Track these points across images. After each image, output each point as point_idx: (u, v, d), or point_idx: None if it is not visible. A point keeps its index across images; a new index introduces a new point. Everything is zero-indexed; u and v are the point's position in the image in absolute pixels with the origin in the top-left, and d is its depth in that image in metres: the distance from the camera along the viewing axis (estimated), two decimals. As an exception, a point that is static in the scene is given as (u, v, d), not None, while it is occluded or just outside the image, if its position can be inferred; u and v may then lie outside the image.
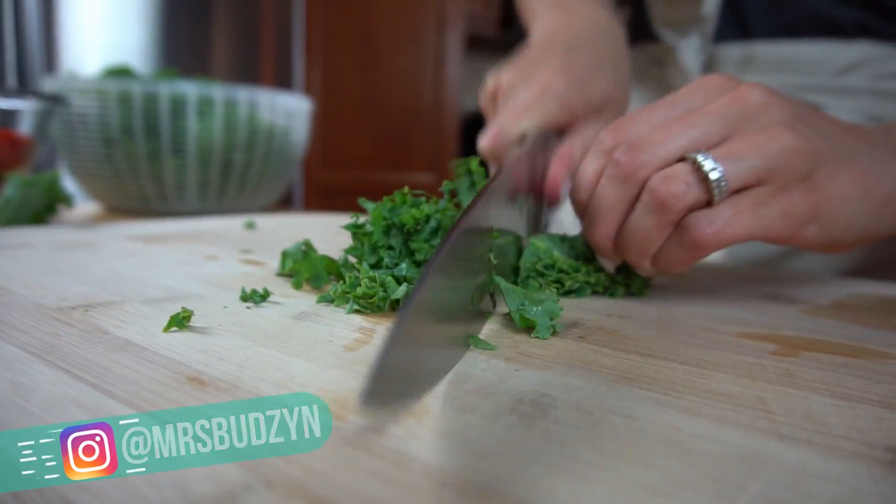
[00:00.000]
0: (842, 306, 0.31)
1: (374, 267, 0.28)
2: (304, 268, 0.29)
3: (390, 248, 0.29)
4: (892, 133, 0.29)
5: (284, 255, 0.31)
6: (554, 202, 0.34)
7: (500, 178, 0.25)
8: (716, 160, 0.25)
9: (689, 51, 0.51)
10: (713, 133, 0.26)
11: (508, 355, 0.20)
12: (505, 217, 0.27)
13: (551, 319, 0.23)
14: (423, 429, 0.14)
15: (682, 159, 0.26)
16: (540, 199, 0.34)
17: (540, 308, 0.23)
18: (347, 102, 1.84)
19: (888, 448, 0.15)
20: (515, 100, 0.35)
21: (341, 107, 1.83)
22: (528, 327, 0.23)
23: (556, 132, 0.37)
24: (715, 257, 0.53)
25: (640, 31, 0.55)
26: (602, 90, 0.37)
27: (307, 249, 0.31)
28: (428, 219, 0.28)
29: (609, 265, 0.31)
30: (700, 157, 0.25)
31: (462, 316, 0.21)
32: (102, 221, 0.54)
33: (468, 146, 2.13)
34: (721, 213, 0.26)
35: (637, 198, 0.27)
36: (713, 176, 0.25)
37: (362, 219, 0.29)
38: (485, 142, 0.35)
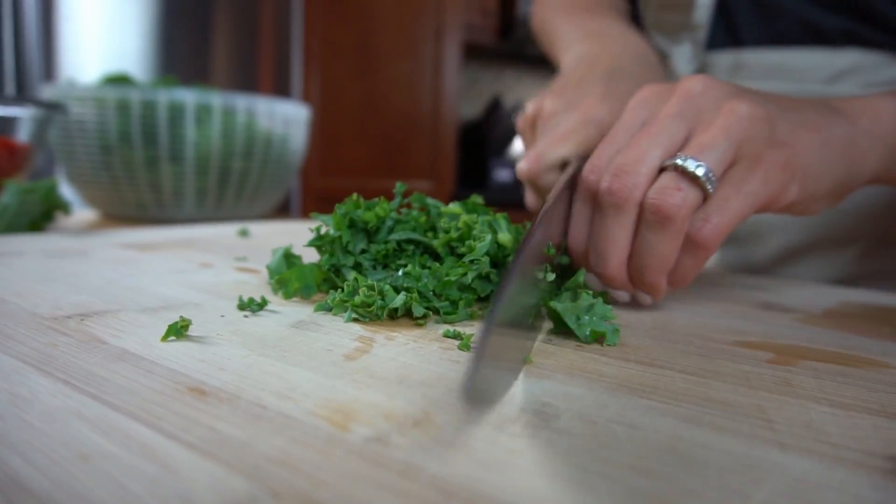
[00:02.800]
0: (834, 315, 0.31)
1: (353, 269, 0.28)
2: (293, 277, 0.29)
3: (364, 251, 0.29)
4: (821, 101, 0.31)
5: (269, 270, 0.30)
6: None
7: (546, 208, 0.26)
8: (695, 158, 0.26)
9: (682, 58, 0.51)
10: (677, 133, 0.27)
11: (509, 364, 0.20)
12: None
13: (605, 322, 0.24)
14: (428, 439, 0.14)
15: (662, 169, 0.27)
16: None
17: (594, 317, 0.24)
18: (345, 110, 1.84)
19: (888, 457, 0.15)
20: (557, 126, 0.35)
21: (339, 114, 1.84)
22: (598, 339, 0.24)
23: None
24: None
25: None
26: None
27: (289, 256, 0.30)
28: (384, 219, 0.29)
29: (624, 296, 0.30)
30: (680, 161, 0.26)
31: (524, 329, 0.21)
32: (100, 229, 0.54)
33: (466, 154, 2.14)
34: (710, 207, 0.27)
35: (636, 222, 0.27)
36: (700, 172, 0.26)
37: (324, 229, 0.29)
38: (523, 166, 0.35)
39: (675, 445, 0.15)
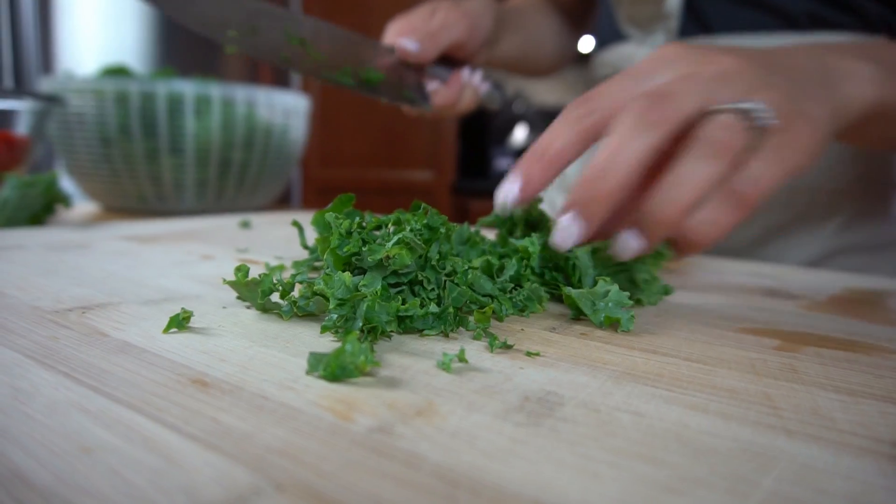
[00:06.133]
0: (839, 301, 0.31)
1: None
2: (332, 360, 0.25)
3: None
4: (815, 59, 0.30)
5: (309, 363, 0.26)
6: None
7: None
8: (755, 102, 0.24)
9: (656, 48, 0.52)
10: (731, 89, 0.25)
11: (512, 352, 0.20)
12: None
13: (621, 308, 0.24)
14: (432, 429, 0.14)
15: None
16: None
17: (610, 302, 0.24)
18: (345, 100, 1.83)
19: (895, 443, 0.14)
20: None
21: (339, 105, 1.83)
22: (613, 324, 0.24)
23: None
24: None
25: (610, 33, 0.56)
26: None
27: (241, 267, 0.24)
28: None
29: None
30: (745, 105, 0.24)
31: None
32: (100, 221, 0.54)
33: (466, 143, 2.12)
34: (754, 171, 0.24)
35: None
36: (758, 113, 0.24)
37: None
38: None
39: (680, 433, 0.15)
